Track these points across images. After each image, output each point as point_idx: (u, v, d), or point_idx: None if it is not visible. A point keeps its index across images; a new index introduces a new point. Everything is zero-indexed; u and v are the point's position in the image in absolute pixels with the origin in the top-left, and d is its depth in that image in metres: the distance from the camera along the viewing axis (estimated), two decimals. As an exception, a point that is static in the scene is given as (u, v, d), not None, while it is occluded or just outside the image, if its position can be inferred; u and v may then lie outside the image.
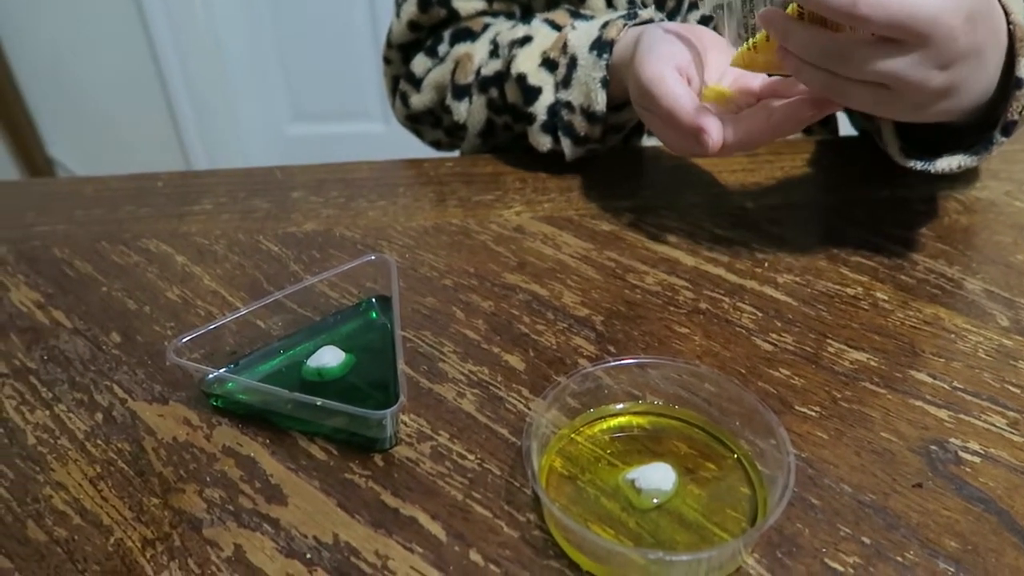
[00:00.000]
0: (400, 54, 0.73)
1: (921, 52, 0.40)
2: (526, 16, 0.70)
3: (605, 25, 0.58)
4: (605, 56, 0.57)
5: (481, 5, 0.68)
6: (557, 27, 0.63)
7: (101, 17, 1.87)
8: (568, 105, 0.60)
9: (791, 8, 0.44)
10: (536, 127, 0.62)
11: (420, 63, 0.70)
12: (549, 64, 0.61)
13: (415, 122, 0.75)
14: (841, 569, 0.35)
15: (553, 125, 0.61)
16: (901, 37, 0.40)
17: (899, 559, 0.35)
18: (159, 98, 1.98)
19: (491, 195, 0.63)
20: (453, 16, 0.68)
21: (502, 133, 0.69)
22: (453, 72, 0.68)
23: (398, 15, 0.71)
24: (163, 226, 0.60)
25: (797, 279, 0.52)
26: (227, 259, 0.56)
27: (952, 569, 0.34)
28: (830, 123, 0.78)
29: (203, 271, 0.55)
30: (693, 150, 0.51)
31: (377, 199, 0.63)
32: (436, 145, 0.77)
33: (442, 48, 0.69)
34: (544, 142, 0.63)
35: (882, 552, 0.35)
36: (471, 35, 0.68)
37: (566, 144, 0.61)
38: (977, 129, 0.49)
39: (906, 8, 0.38)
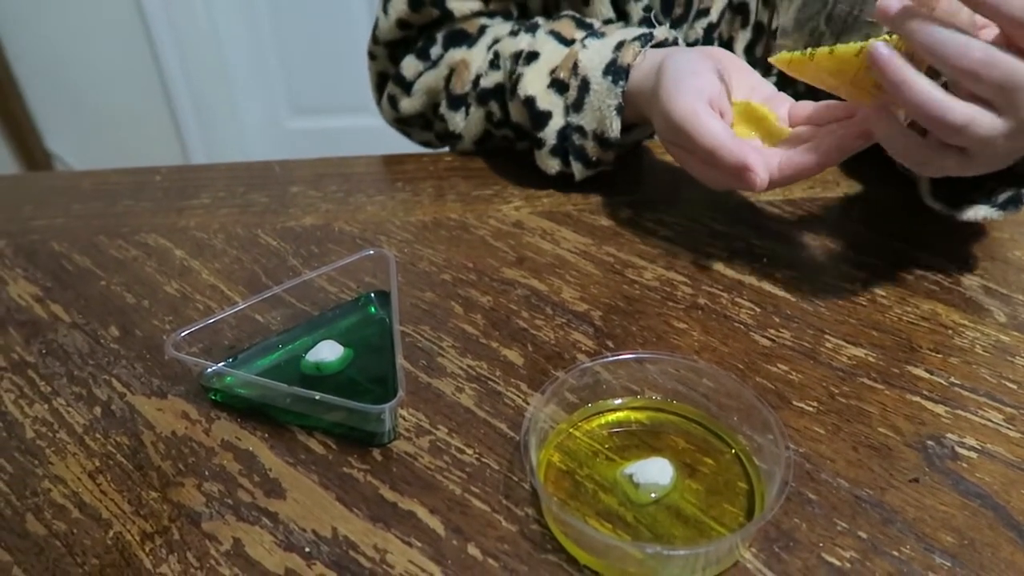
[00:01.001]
0: (387, 51, 0.70)
1: (1013, 116, 0.39)
2: (525, 18, 0.69)
3: (619, 47, 0.56)
4: (621, 83, 0.55)
5: (477, 6, 0.65)
6: (564, 41, 0.60)
7: (100, 11, 1.86)
8: (580, 130, 0.58)
9: (896, 41, 0.41)
10: (545, 151, 0.61)
11: (410, 66, 0.68)
12: (558, 85, 0.59)
13: (404, 124, 0.73)
14: (838, 563, 0.35)
15: (563, 149, 0.60)
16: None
17: (895, 554, 0.35)
18: (158, 92, 1.97)
19: (490, 190, 0.63)
20: (447, 17, 0.66)
21: (499, 142, 0.67)
22: (448, 79, 0.66)
23: (386, 11, 0.67)
24: (161, 220, 0.60)
25: (796, 275, 0.52)
26: (225, 253, 0.56)
27: (948, 564, 0.35)
28: None
29: (201, 265, 0.55)
30: (734, 186, 0.50)
31: (376, 194, 0.63)
32: (426, 145, 0.75)
33: (435, 51, 0.66)
34: (553, 165, 0.61)
35: (878, 547, 0.35)
36: (467, 39, 0.66)
37: (577, 168, 0.60)
38: (999, 178, 0.49)
39: None
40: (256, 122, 2.09)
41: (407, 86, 0.68)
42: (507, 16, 0.68)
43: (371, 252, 0.51)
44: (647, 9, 0.63)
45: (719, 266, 0.53)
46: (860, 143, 0.46)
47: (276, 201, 0.62)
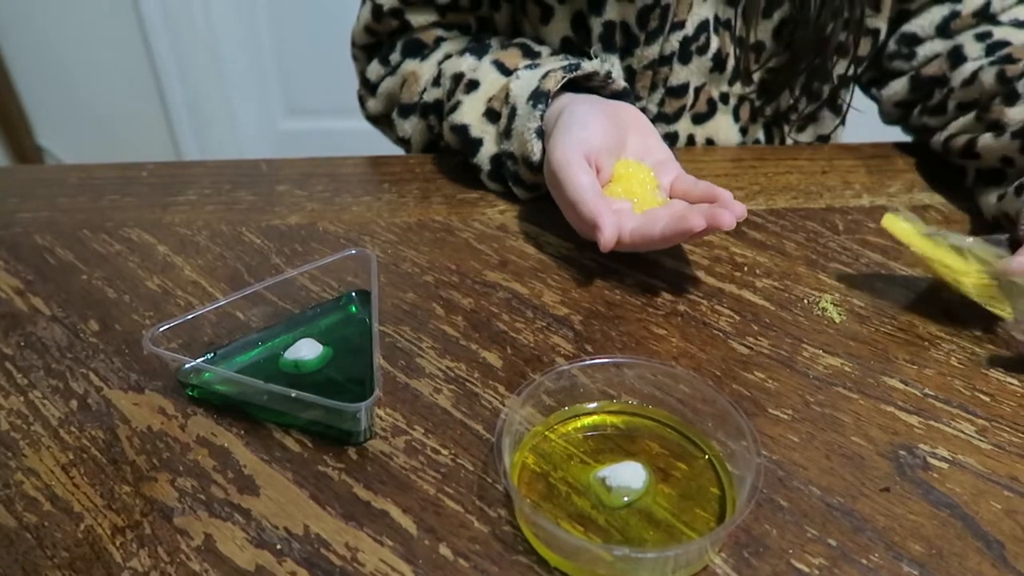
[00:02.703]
0: (364, 53, 0.73)
1: None
2: (481, 32, 0.70)
3: (545, 76, 0.58)
4: (540, 107, 0.56)
5: (433, 18, 0.67)
6: (505, 71, 0.61)
7: (96, 8, 1.86)
8: (511, 156, 0.59)
9: None
10: (483, 175, 0.62)
11: (374, 70, 0.71)
12: (491, 115, 0.61)
13: (376, 123, 0.76)
14: (807, 570, 0.35)
15: (500, 174, 0.62)
16: None
17: (864, 561, 0.35)
18: (152, 90, 1.97)
19: (475, 193, 0.63)
20: (405, 27, 0.68)
21: (445, 152, 0.69)
22: (401, 88, 0.68)
23: (359, 18, 0.70)
24: (146, 216, 0.60)
25: (775, 284, 0.53)
26: (209, 250, 0.56)
27: (916, 572, 0.35)
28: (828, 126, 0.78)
29: (184, 261, 0.55)
30: (591, 237, 0.51)
31: (362, 194, 0.63)
32: (398, 144, 0.77)
33: (393, 57, 0.69)
34: (494, 187, 0.63)
35: (848, 554, 0.36)
36: (422, 50, 0.68)
37: (517, 190, 0.61)
38: None
39: None
40: (250, 122, 2.08)
41: (372, 88, 0.72)
42: (465, 29, 0.70)
43: (353, 252, 0.51)
44: (607, 26, 0.63)
45: (700, 274, 0.54)
46: (702, 225, 0.47)
47: (262, 199, 0.62)
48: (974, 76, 0.61)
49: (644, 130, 0.58)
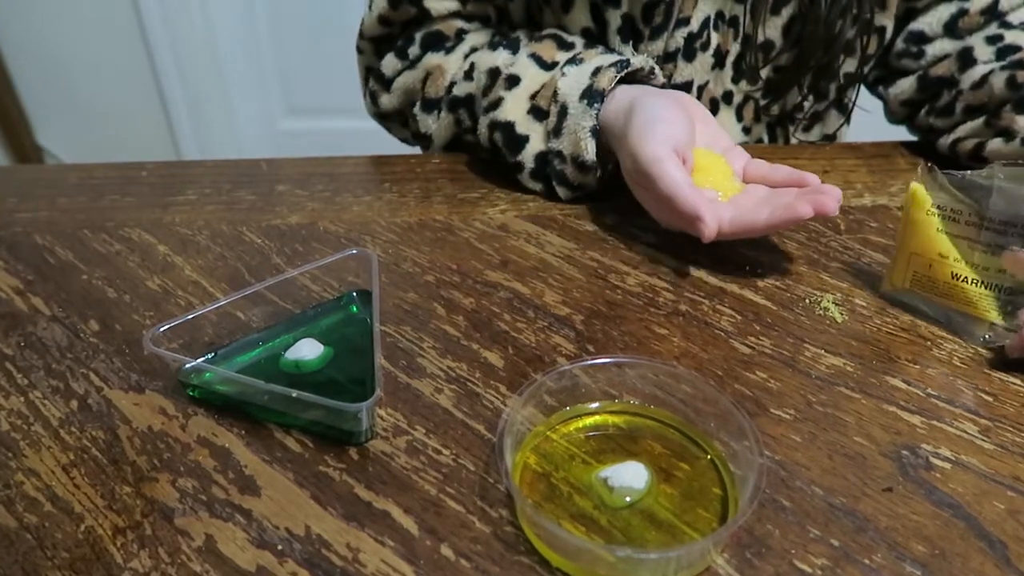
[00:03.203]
0: (372, 46, 0.71)
1: None
2: (504, 22, 0.70)
3: (596, 72, 0.58)
4: (596, 106, 0.56)
5: (454, 6, 0.66)
6: (545, 65, 0.61)
7: (96, 7, 1.86)
8: (559, 155, 0.59)
9: None
10: (525, 174, 0.62)
11: (390, 63, 0.69)
12: (537, 112, 0.60)
13: (384, 119, 0.74)
14: (809, 570, 0.35)
15: (543, 172, 0.61)
16: None
17: (867, 562, 0.35)
18: (152, 90, 1.97)
19: (476, 193, 0.63)
20: (424, 15, 0.66)
21: (466, 148, 0.69)
22: (424, 82, 0.67)
23: (370, 7, 0.69)
24: (146, 215, 0.60)
25: (777, 283, 0.53)
26: (209, 250, 0.56)
27: (919, 572, 0.35)
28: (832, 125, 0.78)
29: (184, 261, 0.55)
30: (686, 230, 0.52)
31: (363, 194, 0.63)
32: (404, 141, 0.77)
33: (412, 51, 0.67)
34: (535, 187, 0.62)
35: (850, 554, 0.35)
36: (444, 43, 0.67)
37: (561, 191, 0.61)
38: None
39: None
40: (250, 122, 2.08)
41: (387, 83, 0.70)
42: (485, 20, 0.69)
43: (354, 251, 0.51)
44: (625, 18, 0.63)
45: (701, 273, 0.54)
46: (809, 212, 0.48)
47: (262, 199, 0.62)
48: (984, 80, 0.61)
49: (706, 119, 0.58)
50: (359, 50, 0.73)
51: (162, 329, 0.43)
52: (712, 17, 0.64)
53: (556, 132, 0.59)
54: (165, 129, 2.02)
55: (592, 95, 0.57)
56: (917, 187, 0.48)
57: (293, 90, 2.06)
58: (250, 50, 1.98)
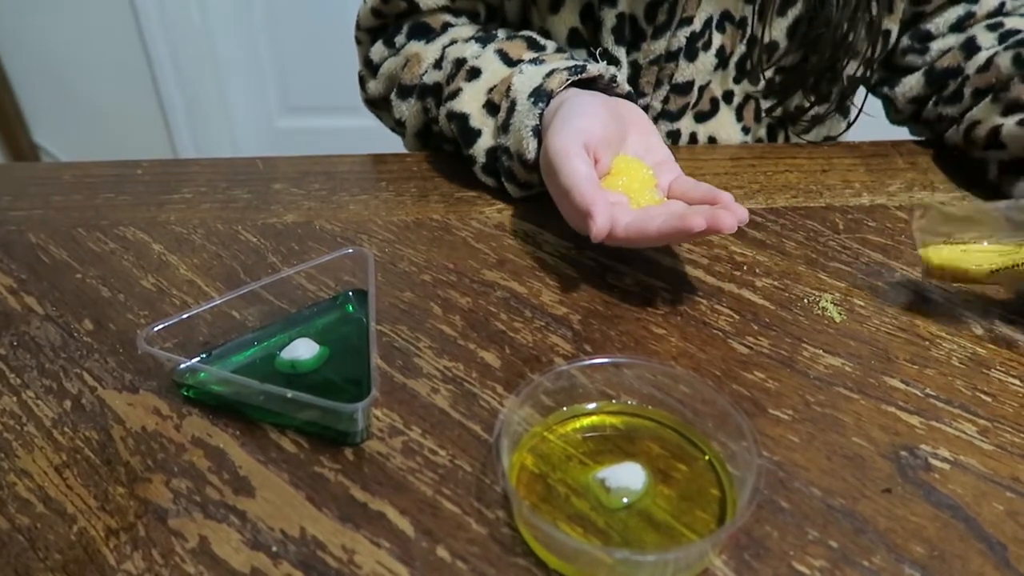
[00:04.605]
0: (368, 36, 0.72)
1: None
2: (488, 23, 0.70)
3: (550, 74, 0.57)
4: (540, 105, 0.56)
5: (443, 1, 0.67)
6: (509, 61, 0.61)
7: (93, 6, 1.85)
8: (507, 151, 0.59)
9: None
10: (477, 168, 0.62)
11: (378, 51, 0.70)
12: (491, 107, 0.60)
13: (374, 107, 0.75)
14: (808, 572, 0.35)
15: (494, 168, 0.61)
16: None
17: (866, 563, 0.35)
18: (148, 88, 1.96)
19: (473, 192, 0.63)
20: (414, 8, 0.67)
21: (438, 140, 0.68)
22: (403, 68, 0.67)
23: (365, 0, 0.70)
24: (141, 214, 0.60)
25: (775, 283, 0.53)
26: (204, 249, 0.56)
27: (918, 574, 0.35)
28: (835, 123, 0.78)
29: (179, 260, 0.55)
30: (583, 229, 0.50)
31: (359, 192, 0.63)
32: (393, 131, 0.76)
33: (399, 39, 0.68)
34: (487, 181, 0.62)
35: (849, 556, 0.35)
36: (428, 33, 0.67)
37: (510, 188, 0.60)
38: None
39: None
40: (247, 120, 2.08)
41: (374, 69, 0.71)
42: (473, 16, 0.70)
43: (350, 250, 0.50)
44: (621, 17, 0.63)
45: (699, 273, 0.53)
46: (703, 226, 0.46)
47: (258, 198, 0.62)
48: (989, 62, 0.62)
49: (645, 129, 0.57)
50: (357, 40, 0.74)
51: (156, 329, 0.43)
52: (716, 17, 0.63)
53: (504, 128, 0.58)
54: (162, 127, 2.02)
55: (540, 94, 0.56)
56: (928, 253, 0.48)
57: (289, 88, 2.05)
58: (247, 48, 1.98)
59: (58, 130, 2.05)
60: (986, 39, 0.64)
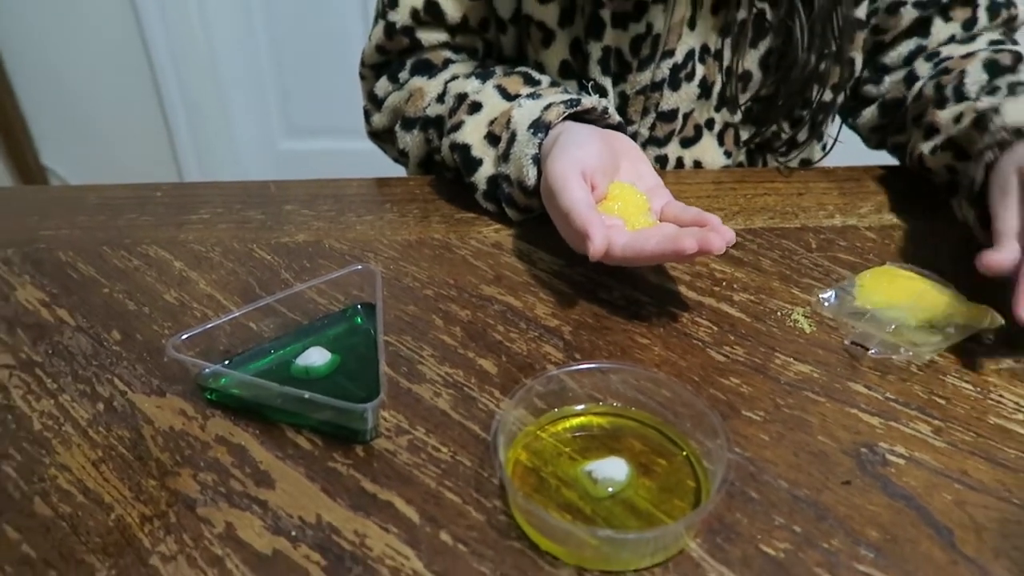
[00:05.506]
0: (372, 72, 0.76)
1: None
2: (487, 58, 0.75)
3: (547, 108, 0.62)
4: (540, 135, 0.60)
5: (444, 37, 0.71)
6: (507, 96, 0.66)
7: (99, 30, 1.91)
8: (507, 178, 0.63)
9: None
10: (479, 195, 0.66)
11: (383, 86, 0.75)
12: (492, 138, 0.65)
13: (378, 139, 0.79)
14: (773, 553, 0.38)
15: (495, 194, 0.65)
16: None
17: (825, 546, 0.39)
18: (155, 111, 2.01)
19: (472, 213, 0.67)
20: (416, 45, 0.72)
21: (439, 168, 0.73)
22: (406, 102, 0.72)
23: (370, 37, 0.74)
24: (162, 234, 0.64)
25: (751, 298, 0.57)
26: (222, 265, 0.60)
27: (872, 555, 0.38)
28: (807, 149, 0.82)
29: (199, 276, 0.59)
30: (582, 250, 0.53)
31: (365, 213, 0.67)
32: (396, 161, 0.81)
33: (403, 75, 0.73)
34: (488, 207, 0.67)
35: (811, 540, 0.39)
36: (430, 69, 0.72)
37: (510, 212, 0.65)
38: None
39: None
40: (251, 142, 2.13)
41: (378, 103, 0.76)
42: (472, 52, 0.74)
43: (359, 267, 0.55)
44: (606, 51, 0.68)
45: (681, 288, 0.58)
46: (694, 248, 0.49)
47: (271, 218, 0.66)
48: (920, 91, 0.68)
49: (636, 158, 0.62)
50: (362, 76, 0.78)
51: (183, 338, 0.47)
52: (697, 50, 0.68)
53: (505, 157, 0.63)
54: (167, 149, 2.07)
55: (538, 126, 0.61)
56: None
57: (293, 111, 2.11)
58: (251, 72, 2.03)
59: (66, 152, 2.10)
60: (923, 69, 0.70)
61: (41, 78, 1.99)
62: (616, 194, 0.58)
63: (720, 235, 0.50)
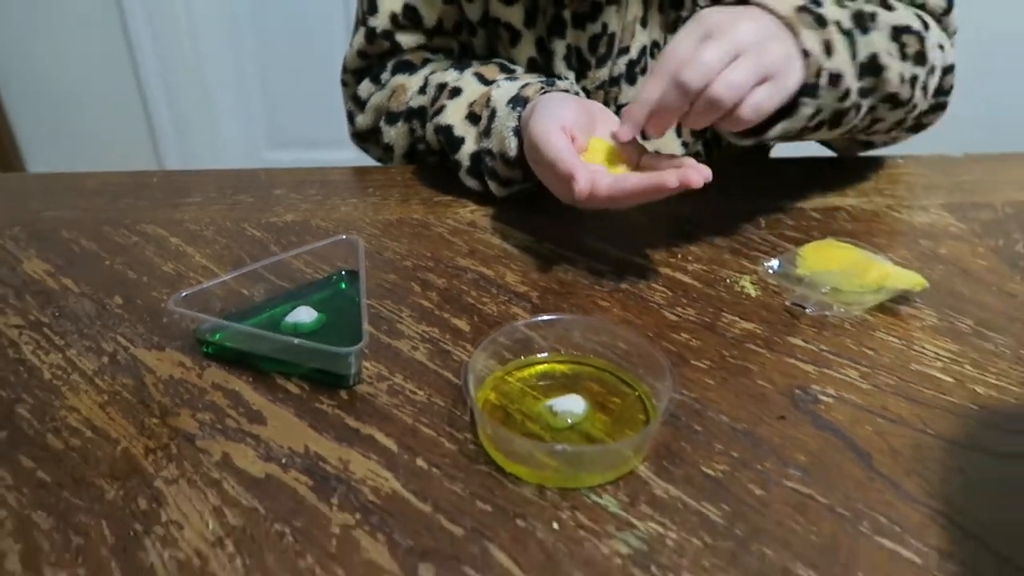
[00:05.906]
0: (354, 78, 0.82)
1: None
2: (463, 58, 0.80)
3: (525, 86, 0.67)
4: (519, 109, 0.66)
5: (421, 40, 0.77)
6: (485, 81, 0.71)
7: (87, 38, 1.95)
8: (489, 152, 0.68)
9: None
10: (463, 172, 0.71)
11: (365, 88, 0.80)
12: (473, 117, 0.70)
13: (361, 140, 0.84)
14: (712, 473, 0.43)
15: (478, 170, 0.70)
16: None
17: (759, 467, 0.44)
18: (141, 120, 2.06)
19: (450, 196, 0.72)
20: (396, 48, 0.77)
21: (423, 157, 0.78)
22: (389, 98, 0.77)
23: (351, 44, 0.80)
24: (159, 214, 0.69)
25: (704, 268, 0.62)
26: (216, 241, 0.64)
27: (799, 474, 0.43)
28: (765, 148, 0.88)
29: (195, 251, 0.63)
30: (569, 197, 0.58)
31: (349, 197, 0.72)
32: (380, 161, 0.86)
33: (384, 76, 0.78)
34: (472, 184, 0.71)
35: (746, 463, 0.44)
36: (410, 68, 0.78)
37: (493, 186, 0.70)
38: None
39: None
40: (236, 152, 2.17)
41: (362, 104, 0.81)
42: (448, 52, 0.80)
43: (343, 237, 0.59)
44: (570, 48, 0.73)
45: (641, 260, 0.63)
46: (671, 186, 0.54)
47: (261, 201, 0.71)
48: None
49: (611, 120, 0.66)
50: (343, 83, 0.83)
51: (183, 295, 0.52)
52: (649, 46, 0.74)
53: (486, 133, 0.68)
54: (153, 158, 2.11)
55: (517, 100, 0.66)
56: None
57: (277, 123, 2.16)
58: (237, 84, 2.08)
59: (53, 161, 2.13)
60: None
61: (29, 90, 2.02)
62: (595, 147, 0.62)
63: (698, 171, 0.54)
